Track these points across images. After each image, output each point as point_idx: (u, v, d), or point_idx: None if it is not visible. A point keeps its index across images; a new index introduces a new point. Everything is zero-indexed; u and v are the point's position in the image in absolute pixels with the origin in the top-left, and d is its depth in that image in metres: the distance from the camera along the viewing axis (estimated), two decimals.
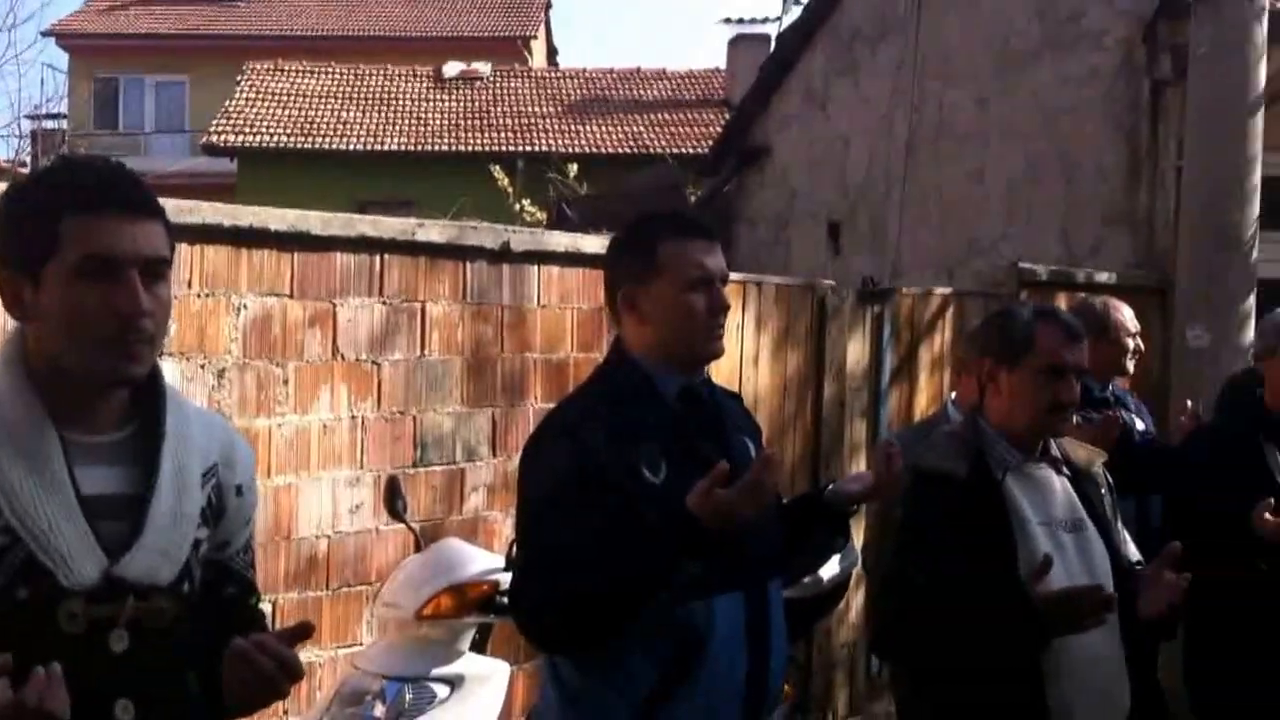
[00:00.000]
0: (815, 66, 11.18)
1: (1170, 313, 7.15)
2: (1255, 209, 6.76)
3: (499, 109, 22.11)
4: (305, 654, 2.91)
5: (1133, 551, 3.14)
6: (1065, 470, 3.02)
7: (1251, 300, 6.67)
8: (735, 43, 19.75)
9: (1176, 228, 7.30)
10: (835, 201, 10.78)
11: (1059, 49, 8.67)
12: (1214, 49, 6.66)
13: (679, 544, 2.30)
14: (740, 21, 20.38)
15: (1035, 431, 2.97)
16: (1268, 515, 3.76)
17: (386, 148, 20.79)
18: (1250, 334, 6.19)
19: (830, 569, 3.72)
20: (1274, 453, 4.03)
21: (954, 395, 4.46)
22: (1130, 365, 4.80)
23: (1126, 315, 4.80)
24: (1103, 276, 7.49)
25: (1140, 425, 4.75)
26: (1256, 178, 6.76)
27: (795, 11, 11.83)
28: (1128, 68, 8.08)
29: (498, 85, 23.10)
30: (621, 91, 23.51)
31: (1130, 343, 4.77)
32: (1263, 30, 6.72)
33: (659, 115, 22.39)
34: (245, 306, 3.89)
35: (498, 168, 16.71)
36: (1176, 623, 3.06)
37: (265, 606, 3.56)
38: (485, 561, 3.69)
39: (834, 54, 10.95)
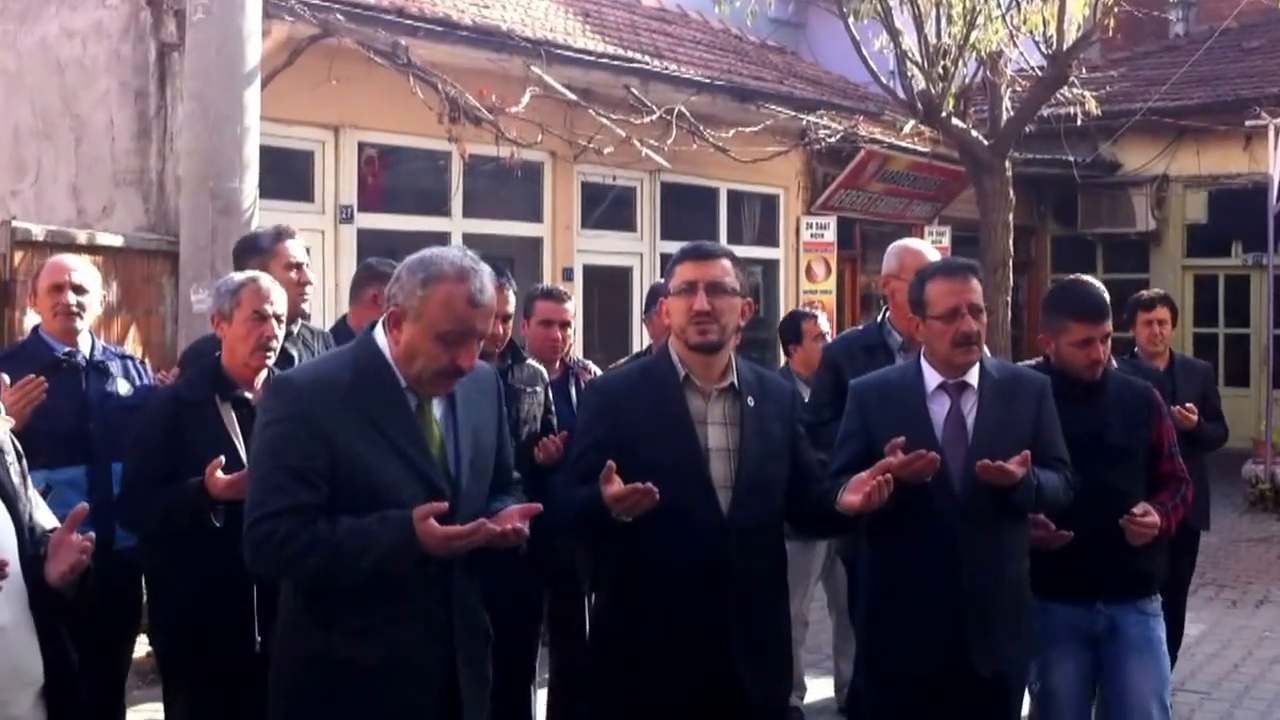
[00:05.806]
0: None
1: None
2: (254, 177, 6.97)
3: None
4: None
5: (46, 519, 3.04)
6: None
7: None
8: None
9: None
10: None
11: (65, 2, 8.29)
12: (209, 16, 6.71)
13: None
14: None
15: None
16: (219, 473, 3.91)
17: None
18: None
19: None
20: (230, 411, 4.21)
21: None
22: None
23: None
24: (109, 238, 7.35)
25: None
26: (254, 147, 6.97)
27: None
28: (135, 27, 7.93)
29: None
30: None
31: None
32: (257, 2, 6.92)
33: None
34: None
35: None
36: None
37: None
38: None
39: None
